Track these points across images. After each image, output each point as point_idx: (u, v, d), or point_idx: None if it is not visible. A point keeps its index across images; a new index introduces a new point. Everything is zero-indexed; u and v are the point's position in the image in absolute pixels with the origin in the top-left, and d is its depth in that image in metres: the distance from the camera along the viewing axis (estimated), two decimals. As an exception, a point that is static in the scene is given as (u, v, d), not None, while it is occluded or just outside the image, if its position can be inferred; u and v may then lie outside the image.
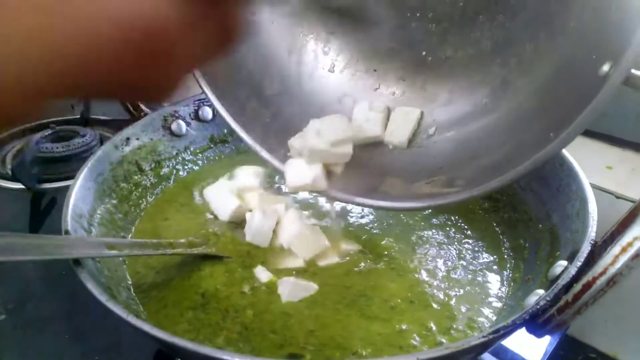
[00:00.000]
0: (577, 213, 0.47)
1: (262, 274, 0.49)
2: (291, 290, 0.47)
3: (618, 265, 0.30)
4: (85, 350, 0.50)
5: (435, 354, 0.32)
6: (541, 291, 0.40)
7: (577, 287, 0.31)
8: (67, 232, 0.43)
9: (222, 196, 0.57)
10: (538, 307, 0.36)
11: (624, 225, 0.42)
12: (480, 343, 0.34)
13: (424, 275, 0.50)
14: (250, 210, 0.55)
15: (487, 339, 0.34)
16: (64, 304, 0.55)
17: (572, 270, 0.39)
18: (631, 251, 0.29)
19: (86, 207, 0.49)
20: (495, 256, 0.53)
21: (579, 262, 0.39)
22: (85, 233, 0.47)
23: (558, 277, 0.41)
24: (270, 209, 0.53)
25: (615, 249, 0.30)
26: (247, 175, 0.60)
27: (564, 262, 0.42)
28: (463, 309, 0.47)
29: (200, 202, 0.60)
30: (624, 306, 0.58)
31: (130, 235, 0.54)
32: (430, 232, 0.56)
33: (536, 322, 0.35)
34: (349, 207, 0.58)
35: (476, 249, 0.54)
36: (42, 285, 0.57)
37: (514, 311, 0.44)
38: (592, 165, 0.64)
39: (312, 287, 0.48)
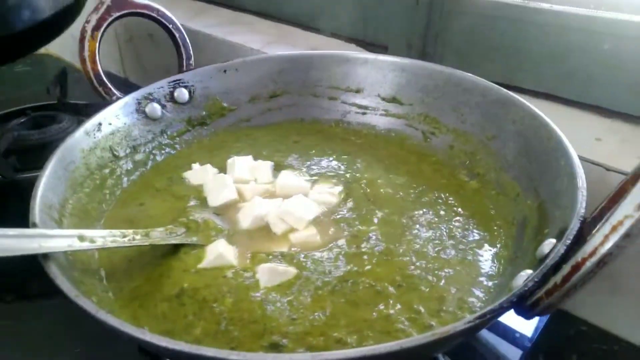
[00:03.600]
0: (566, 189, 0.46)
1: (240, 260, 0.47)
2: (270, 275, 0.46)
3: (608, 245, 0.28)
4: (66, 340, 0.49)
5: (420, 341, 0.31)
6: (529, 271, 0.39)
7: (566, 268, 0.30)
8: (34, 225, 0.41)
9: (220, 184, 0.55)
10: (526, 289, 0.34)
11: (614, 200, 0.41)
12: (466, 328, 0.32)
13: (412, 257, 0.49)
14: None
15: (473, 324, 0.32)
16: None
17: (561, 249, 0.37)
18: (622, 230, 0.28)
19: (56, 197, 0.47)
20: (485, 233, 0.52)
21: (568, 240, 0.38)
22: (56, 225, 0.45)
23: (546, 256, 0.40)
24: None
25: (605, 228, 0.29)
26: (242, 169, 0.58)
27: (553, 240, 0.41)
28: (453, 290, 0.45)
29: (179, 188, 0.58)
30: (616, 278, 0.58)
31: (102, 221, 0.52)
32: (420, 212, 0.54)
33: (524, 305, 0.34)
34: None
35: (466, 227, 0.53)
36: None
37: (503, 291, 0.43)
38: (580, 137, 0.63)
39: (290, 271, 0.46)
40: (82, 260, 0.45)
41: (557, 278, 0.30)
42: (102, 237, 0.44)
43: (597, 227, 0.37)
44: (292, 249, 0.49)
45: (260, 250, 0.49)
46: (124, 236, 0.45)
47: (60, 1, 0.64)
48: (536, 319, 0.58)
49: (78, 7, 0.72)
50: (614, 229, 0.28)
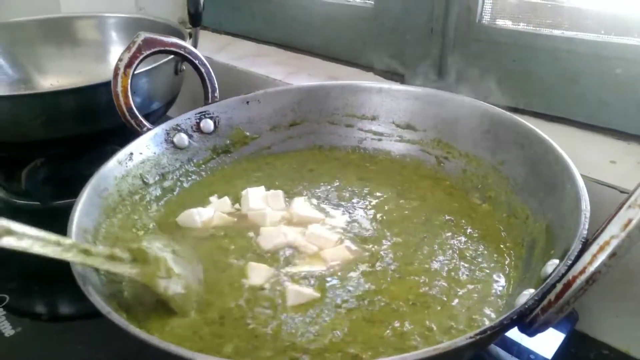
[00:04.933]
0: (572, 211, 0.47)
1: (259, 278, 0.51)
2: (295, 296, 0.48)
3: (596, 264, 0.30)
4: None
5: (421, 356, 0.33)
6: (532, 290, 0.40)
7: (559, 286, 0.31)
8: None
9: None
10: (526, 306, 0.36)
11: (610, 221, 0.43)
12: (468, 344, 0.34)
13: (425, 276, 0.51)
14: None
15: (474, 339, 0.34)
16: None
17: (562, 269, 0.39)
18: (608, 250, 0.30)
19: (91, 222, 0.51)
20: (495, 255, 0.54)
21: (569, 260, 0.39)
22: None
23: (549, 275, 0.41)
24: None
25: (594, 248, 0.30)
26: (256, 200, 0.62)
27: (556, 261, 0.42)
28: (463, 309, 0.47)
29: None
30: (634, 300, 0.58)
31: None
32: (431, 234, 0.57)
33: (524, 322, 0.35)
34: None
35: (477, 248, 0.55)
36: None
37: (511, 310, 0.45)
38: (595, 160, 0.64)
39: (313, 294, 0.49)
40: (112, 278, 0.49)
41: (552, 296, 0.32)
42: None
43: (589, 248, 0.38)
44: (329, 264, 0.53)
45: (289, 272, 0.52)
46: (58, 245, 0.41)
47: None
48: (557, 339, 0.58)
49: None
50: (601, 248, 0.30)
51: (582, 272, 0.31)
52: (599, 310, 0.61)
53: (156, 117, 0.81)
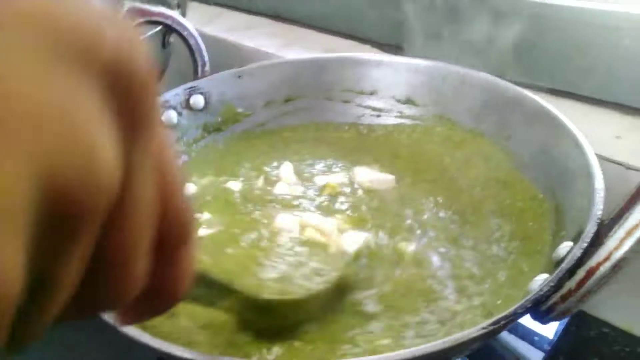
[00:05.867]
0: (584, 190, 0.45)
1: None
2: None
3: (623, 250, 0.28)
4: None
5: (432, 349, 0.31)
6: (545, 275, 0.38)
7: (581, 273, 0.29)
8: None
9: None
10: (541, 293, 0.34)
11: (632, 201, 0.40)
12: (480, 335, 0.32)
13: (434, 269, 0.48)
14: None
15: (487, 330, 0.32)
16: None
17: (577, 252, 0.37)
18: (637, 234, 0.27)
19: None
20: (504, 234, 0.51)
21: (584, 243, 0.37)
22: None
23: (563, 259, 0.39)
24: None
25: (620, 233, 0.28)
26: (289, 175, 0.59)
27: (570, 243, 0.40)
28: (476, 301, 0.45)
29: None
30: (637, 277, 0.56)
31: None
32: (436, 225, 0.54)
33: (539, 310, 0.33)
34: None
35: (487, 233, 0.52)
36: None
37: (518, 296, 0.43)
38: (600, 135, 0.62)
39: None
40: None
41: (572, 283, 0.30)
42: None
43: (614, 229, 0.36)
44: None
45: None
46: None
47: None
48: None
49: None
50: (628, 233, 0.28)
51: (607, 258, 0.28)
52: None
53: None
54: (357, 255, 0.47)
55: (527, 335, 0.57)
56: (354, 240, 0.48)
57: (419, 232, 0.51)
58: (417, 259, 0.48)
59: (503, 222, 0.52)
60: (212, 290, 0.35)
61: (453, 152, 0.61)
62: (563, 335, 0.57)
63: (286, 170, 0.59)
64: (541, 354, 0.56)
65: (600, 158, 0.54)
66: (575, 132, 0.49)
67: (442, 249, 0.49)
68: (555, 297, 0.31)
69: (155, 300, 0.20)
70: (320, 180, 0.58)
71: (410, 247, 0.49)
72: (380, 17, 0.85)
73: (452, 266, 0.47)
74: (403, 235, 0.51)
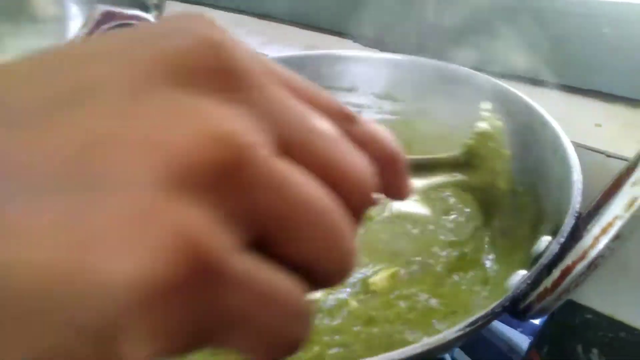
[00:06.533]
0: (562, 182, 0.45)
1: None
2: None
3: (599, 248, 0.28)
4: None
5: (412, 352, 0.31)
6: (523, 272, 0.38)
7: (556, 272, 0.29)
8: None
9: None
10: (519, 291, 0.34)
11: (610, 193, 0.40)
12: (457, 337, 0.32)
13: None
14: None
15: (463, 332, 0.32)
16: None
17: (555, 248, 0.37)
18: (612, 232, 0.27)
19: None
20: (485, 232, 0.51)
21: (562, 238, 0.37)
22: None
23: (541, 254, 0.39)
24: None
25: (595, 230, 0.28)
26: None
27: (548, 238, 0.40)
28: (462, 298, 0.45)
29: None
30: (618, 263, 0.57)
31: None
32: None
33: (517, 309, 0.33)
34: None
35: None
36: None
37: (498, 293, 0.43)
38: (579, 124, 0.62)
39: None
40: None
41: (548, 282, 0.29)
42: None
43: (591, 223, 0.36)
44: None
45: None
46: None
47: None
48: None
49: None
50: (603, 231, 0.28)
51: (582, 257, 0.28)
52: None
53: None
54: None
55: (514, 322, 0.58)
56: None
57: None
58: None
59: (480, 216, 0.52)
60: None
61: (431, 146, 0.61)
62: (548, 322, 0.57)
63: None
64: (528, 339, 0.56)
65: (580, 147, 0.55)
66: (553, 123, 0.49)
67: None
68: (532, 295, 0.30)
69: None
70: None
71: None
72: (361, 12, 0.85)
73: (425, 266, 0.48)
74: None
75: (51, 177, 0.12)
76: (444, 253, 0.50)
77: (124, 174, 0.12)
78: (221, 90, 0.14)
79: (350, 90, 0.68)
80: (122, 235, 0.12)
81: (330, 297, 0.45)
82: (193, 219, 0.12)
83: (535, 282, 0.34)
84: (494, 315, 0.33)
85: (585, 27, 0.64)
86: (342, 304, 0.45)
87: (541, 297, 0.30)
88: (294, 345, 0.14)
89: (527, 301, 0.31)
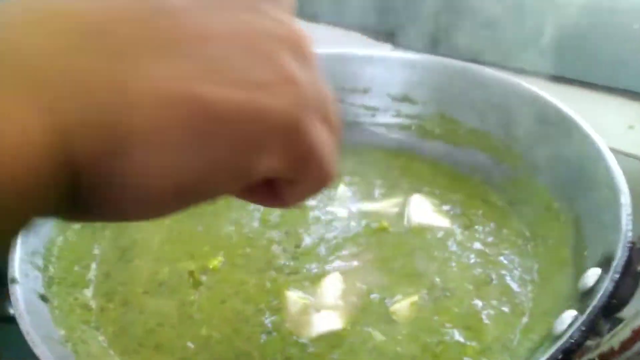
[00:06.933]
0: (607, 203, 0.40)
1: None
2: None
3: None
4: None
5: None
6: (572, 313, 0.33)
7: (626, 331, 0.25)
8: (14, 281, 0.37)
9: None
10: (573, 340, 0.30)
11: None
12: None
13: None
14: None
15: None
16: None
17: (609, 286, 0.33)
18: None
19: (41, 240, 0.43)
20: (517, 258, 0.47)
21: (616, 274, 0.33)
22: (40, 274, 0.41)
23: (591, 289, 0.35)
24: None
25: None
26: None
27: (597, 271, 0.36)
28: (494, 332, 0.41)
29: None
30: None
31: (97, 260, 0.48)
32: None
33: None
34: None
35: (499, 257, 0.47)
36: None
37: (540, 328, 0.39)
38: (611, 125, 0.58)
39: None
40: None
41: (614, 342, 0.25)
42: None
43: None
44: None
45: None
46: None
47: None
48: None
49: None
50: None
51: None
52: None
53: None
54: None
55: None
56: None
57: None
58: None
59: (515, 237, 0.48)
60: None
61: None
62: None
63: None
64: None
65: (612, 151, 0.50)
66: (594, 136, 0.44)
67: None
68: (592, 352, 0.26)
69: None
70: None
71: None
72: (369, 2, 0.80)
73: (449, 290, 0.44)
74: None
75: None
76: (469, 274, 0.46)
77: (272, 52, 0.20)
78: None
79: (364, 92, 0.63)
80: (277, 88, 0.19)
81: (353, 329, 0.41)
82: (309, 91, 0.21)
83: (588, 328, 0.30)
84: (546, 370, 0.29)
85: (614, 23, 0.59)
86: (366, 337, 0.40)
87: (604, 358, 0.25)
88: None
89: (586, 358, 0.27)
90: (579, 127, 0.46)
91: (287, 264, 0.47)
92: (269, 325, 0.42)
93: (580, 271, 0.39)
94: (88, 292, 0.44)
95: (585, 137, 0.45)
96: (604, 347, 0.26)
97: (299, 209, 0.52)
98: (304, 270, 0.46)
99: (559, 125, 0.49)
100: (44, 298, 0.39)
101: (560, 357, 0.29)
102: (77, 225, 0.47)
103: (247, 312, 0.42)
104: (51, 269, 0.42)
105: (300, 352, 0.40)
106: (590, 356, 0.26)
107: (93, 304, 0.43)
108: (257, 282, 0.45)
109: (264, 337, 0.41)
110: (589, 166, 0.44)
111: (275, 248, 0.48)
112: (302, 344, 0.40)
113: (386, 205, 0.54)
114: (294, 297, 0.44)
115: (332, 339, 0.40)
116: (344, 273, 0.46)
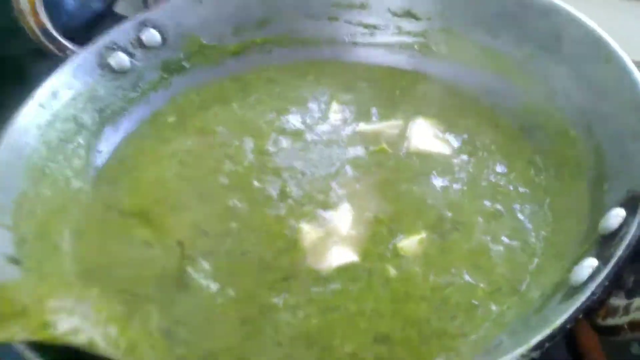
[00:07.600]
0: (632, 129, 0.36)
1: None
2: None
3: None
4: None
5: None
6: (592, 261, 0.30)
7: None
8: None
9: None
10: (594, 297, 0.26)
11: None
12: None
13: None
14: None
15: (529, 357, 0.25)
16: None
17: (636, 231, 0.29)
18: None
19: (10, 195, 0.40)
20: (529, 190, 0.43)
21: (644, 216, 0.29)
22: (9, 233, 0.37)
23: (613, 234, 0.31)
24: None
25: None
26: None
27: (621, 212, 0.32)
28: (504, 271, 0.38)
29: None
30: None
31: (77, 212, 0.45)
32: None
33: (598, 322, 0.26)
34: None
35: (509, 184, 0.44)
36: None
37: (552, 272, 0.36)
38: (635, 35, 0.52)
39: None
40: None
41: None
42: None
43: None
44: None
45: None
46: None
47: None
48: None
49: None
50: None
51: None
52: None
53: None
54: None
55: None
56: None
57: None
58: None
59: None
60: None
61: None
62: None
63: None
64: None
65: (638, 65, 0.44)
66: (621, 54, 0.39)
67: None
68: (621, 319, 0.23)
69: None
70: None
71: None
72: None
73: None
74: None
75: None
76: (477, 206, 0.42)
77: None
78: None
79: (361, 7, 0.56)
80: None
81: (367, 261, 0.39)
82: None
83: (612, 283, 0.27)
84: (561, 332, 0.26)
85: None
86: (380, 271, 0.39)
87: (635, 326, 0.22)
88: None
89: (614, 322, 0.24)
90: (601, 40, 0.41)
91: (296, 193, 0.45)
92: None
93: (598, 208, 0.36)
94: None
95: (608, 52, 0.40)
96: (636, 315, 0.22)
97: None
98: (312, 199, 0.44)
99: (579, 40, 0.43)
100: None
101: (580, 316, 0.26)
102: (50, 175, 0.44)
103: (267, 259, 0.40)
104: (22, 227, 0.39)
105: (323, 289, 0.38)
106: (618, 321, 0.23)
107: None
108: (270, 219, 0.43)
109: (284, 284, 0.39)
110: (612, 86, 0.40)
111: (277, 180, 0.46)
112: (323, 280, 0.39)
113: (385, 127, 0.50)
114: (308, 230, 0.42)
115: (349, 273, 0.39)
116: (350, 200, 0.44)
